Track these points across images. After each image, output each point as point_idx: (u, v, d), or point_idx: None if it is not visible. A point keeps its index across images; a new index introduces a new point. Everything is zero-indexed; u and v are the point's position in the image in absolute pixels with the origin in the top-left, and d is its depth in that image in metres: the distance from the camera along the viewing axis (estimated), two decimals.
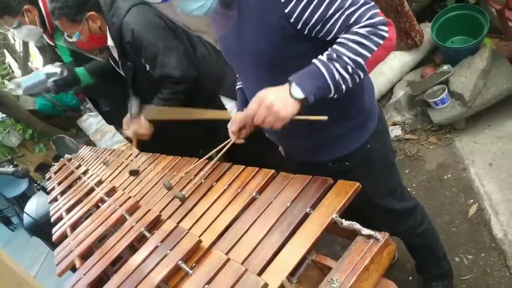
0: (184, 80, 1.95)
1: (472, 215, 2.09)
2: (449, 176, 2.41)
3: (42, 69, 2.36)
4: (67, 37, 1.92)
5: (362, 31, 1.03)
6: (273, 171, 1.32)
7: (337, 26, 1.05)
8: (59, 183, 2.46)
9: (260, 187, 1.28)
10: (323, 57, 1.05)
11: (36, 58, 6.92)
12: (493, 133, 2.45)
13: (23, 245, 4.96)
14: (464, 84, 2.47)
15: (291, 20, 1.06)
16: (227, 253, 1.09)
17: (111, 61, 2.11)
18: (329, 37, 1.08)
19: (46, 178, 2.82)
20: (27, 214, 3.13)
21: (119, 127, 2.88)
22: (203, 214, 1.33)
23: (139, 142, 2.14)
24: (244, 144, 1.50)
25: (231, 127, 1.49)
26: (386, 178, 1.43)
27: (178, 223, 1.35)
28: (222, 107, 2.28)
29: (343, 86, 1.06)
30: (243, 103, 1.47)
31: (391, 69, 3.15)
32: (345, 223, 1.00)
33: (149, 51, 1.91)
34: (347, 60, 1.03)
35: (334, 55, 1.04)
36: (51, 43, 2.33)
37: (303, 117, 1.12)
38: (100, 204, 1.82)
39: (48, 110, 5.35)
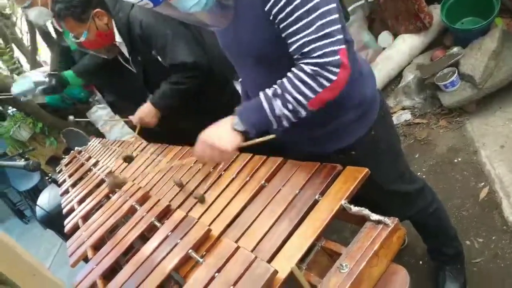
0: (197, 66, 1.92)
1: (483, 198, 2.07)
2: (460, 159, 2.38)
3: (30, 75, 2.37)
4: (73, 38, 1.90)
5: (310, 70, 1.01)
6: (281, 159, 1.31)
7: (293, 46, 1.03)
8: (70, 176, 2.49)
9: (269, 175, 1.28)
10: (269, 92, 1.07)
11: (43, 52, 6.95)
12: (505, 115, 2.41)
13: (37, 238, 5.05)
14: (474, 66, 2.43)
15: (270, 19, 1.05)
16: (236, 241, 1.10)
17: (121, 59, 2.09)
18: (290, 50, 1.06)
19: (57, 171, 2.86)
20: (39, 206, 3.17)
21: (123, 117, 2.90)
22: (212, 203, 1.33)
23: (142, 129, 2.13)
24: None
25: None
26: (393, 163, 1.42)
27: (188, 212, 1.36)
28: (236, 92, 2.27)
29: (284, 122, 1.09)
30: (247, 98, 1.47)
31: (400, 52, 3.11)
32: (354, 209, 1.00)
33: (159, 41, 1.89)
34: (289, 98, 1.04)
35: (279, 91, 1.05)
36: (60, 29, 2.32)
37: (250, 142, 1.16)
38: (110, 195, 1.84)
39: (57, 103, 5.37)
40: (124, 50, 2.03)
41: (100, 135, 5.05)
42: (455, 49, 2.68)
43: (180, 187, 1.50)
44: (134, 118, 2.09)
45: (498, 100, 2.51)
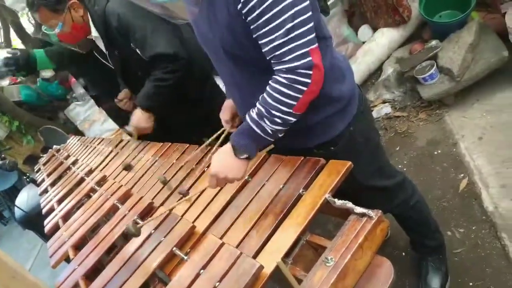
0: (177, 58, 1.87)
1: (463, 189, 2.11)
2: (440, 151, 2.42)
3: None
4: (45, 31, 1.84)
5: (284, 80, 1.02)
6: (264, 153, 1.31)
7: (265, 48, 1.03)
8: (49, 175, 2.44)
9: (252, 170, 1.27)
10: (254, 115, 1.09)
11: (18, 47, 6.76)
12: (482, 107, 2.46)
13: (16, 239, 4.93)
14: (452, 59, 2.46)
15: (243, 18, 1.03)
16: (221, 237, 1.09)
17: (97, 54, 2.04)
18: (262, 51, 1.05)
19: (35, 170, 2.79)
20: (18, 207, 3.10)
21: (110, 115, 2.86)
22: (196, 199, 1.32)
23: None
24: None
25: (224, 116, 1.48)
26: (372, 158, 1.42)
27: (171, 210, 1.34)
28: (216, 87, 2.25)
29: (279, 134, 1.11)
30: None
31: (380, 46, 3.13)
32: (338, 202, 1.00)
33: (138, 33, 1.85)
34: (275, 113, 1.05)
35: (263, 110, 1.07)
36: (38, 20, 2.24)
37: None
38: (91, 193, 1.81)
39: (34, 101, 5.26)
40: (101, 45, 1.98)
41: (79, 132, 4.96)
42: (434, 42, 2.72)
43: (164, 184, 1.47)
44: (129, 128, 2.04)
45: (475, 93, 2.56)
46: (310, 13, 1.00)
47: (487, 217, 1.90)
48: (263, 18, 0.98)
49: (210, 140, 1.53)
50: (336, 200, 1.01)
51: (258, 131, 1.09)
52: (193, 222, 1.21)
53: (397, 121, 2.84)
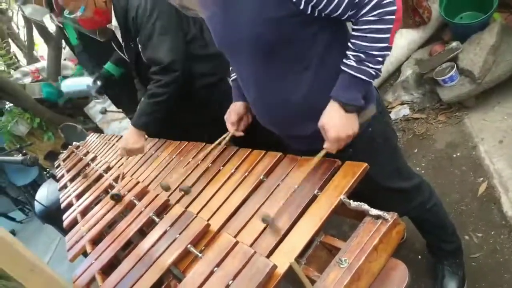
0: (172, 69, 1.80)
1: (482, 193, 2.07)
2: (459, 154, 2.38)
3: (83, 80, 2.40)
4: (67, 15, 1.79)
5: (373, 17, 1.04)
6: (280, 153, 1.31)
7: (343, 4, 1.04)
8: (68, 171, 2.49)
9: (268, 170, 1.28)
10: (352, 62, 1.09)
11: (41, 47, 6.91)
12: (503, 110, 2.41)
13: (35, 233, 5.04)
14: (473, 60, 2.42)
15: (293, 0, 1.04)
16: (235, 236, 1.10)
17: (114, 45, 2.04)
18: (337, 13, 1.07)
19: (55, 166, 2.85)
20: (38, 201, 3.16)
21: (127, 111, 2.90)
22: (211, 198, 1.34)
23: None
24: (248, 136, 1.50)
25: (230, 118, 1.48)
26: (390, 160, 1.41)
27: (187, 207, 1.36)
28: (229, 90, 2.25)
29: (380, 73, 1.12)
30: (240, 94, 1.45)
31: (399, 47, 3.10)
32: (353, 204, 0.99)
33: (146, 30, 1.81)
34: (375, 53, 1.07)
35: (362, 56, 1.08)
36: (59, 24, 2.30)
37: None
38: (109, 190, 1.84)
39: (54, 98, 5.36)
40: (119, 36, 1.95)
41: (98, 130, 5.04)
42: (454, 44, 2.67)
43: (166, 190, 1.47)
44: (120, 152, 1.94)
45: (496, 95, 2.51)
46: None
47: (507, 222, 1.87)
48: None
49: (214, 144, 1.54)
50: (351, 201, 1.00)
51: (363, 77, 1.10)
52: (207, 220, 1.22)
53: (416, 123, 2.80)
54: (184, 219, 1.27)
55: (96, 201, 1.84)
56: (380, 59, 1.08)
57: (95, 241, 1.51)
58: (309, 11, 1.07)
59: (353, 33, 1.09)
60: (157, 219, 1.36)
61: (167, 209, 1.42)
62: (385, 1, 1.03)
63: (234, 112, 1.48)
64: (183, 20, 1.91)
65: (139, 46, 1.87)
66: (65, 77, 5.24)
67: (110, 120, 4.88)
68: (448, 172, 2.32)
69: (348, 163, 1.10)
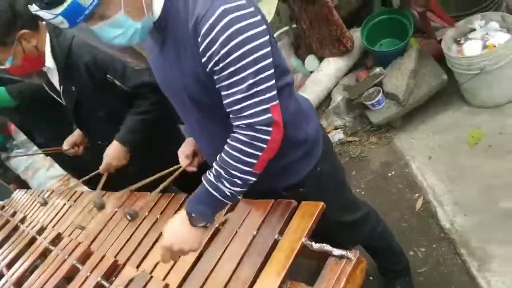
0: (158, 89, 1.78)
1: (419, 208, 2.18)
2: (393, 173, 2.51)
3: None
4: None
5: (243, 137, 1.00)
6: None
7: (225, 101, 1.02)
8: None
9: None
10: (211, 177, 1.04)
11: None
12: (428, 128, 2.59)
13: None
14: (396, 85, 2.60)
15: (207, 70, 1.01)
16: None
17: (46, 87, 1.88)
18: (223, 103, 1.04)
19: None
20: None
21: (57, 160, 2.69)
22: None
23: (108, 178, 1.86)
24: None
25: (184, 151, 1.44)
26: (339, 196, 1.44)
27: (138, 267, 1.28)
28: (182, 137, 2.17)
29: (238, 196, 1.07)
30: None
31: (327, 75, 3.24)
32: (316, 245, 0.99)
33: (118, 64, 1.73)
34: (234, 173, 1.02)
35: (222, 172, 1.02)
36: None
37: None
38: (46, 254, 1.68)
39: None
40: (53, 78, 1.81)
41: (22, 182, 4.65)
42: (377, 70, 2.85)
43: (133, 218, 1.38)
44: (102, 168, 1.84)
45: (420, 115, 2.70)
46: (272, 70, 1.00)
47: (445, 235, 1.98)
48: (227, 71, 0.96)
49: (163, 172, 1.47)
50: (313, 243, 1.00)
51: (216, 194, 1.03)
52: (163, 280, 1.15)
53: (350, 146, 2.92)
54: (138, 280, 1.19)
55: (31, 268, 1.67)
56: (238, 181, 1.02)
57: None
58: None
59: (225, 146, 1.05)
60: (107, 285, 1.26)
61: (116, 270, 1.32)
62: (260, 127, 1.00)
63: (189, 146, 1.43)
64: None
65: (115, 80, 1.76)
66: None
67: (37, 168, 4.54)
68: (385, 191, 2.42)
69: (304, 204, 1.10)
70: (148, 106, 1.80)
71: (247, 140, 0.99)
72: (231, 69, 0.96)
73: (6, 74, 1.78)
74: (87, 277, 1.33)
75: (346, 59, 3.20)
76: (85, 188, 2.43)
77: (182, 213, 1.06)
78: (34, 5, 0.94)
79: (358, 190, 2.56)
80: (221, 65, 0.96)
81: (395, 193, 2.39)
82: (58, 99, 1.90)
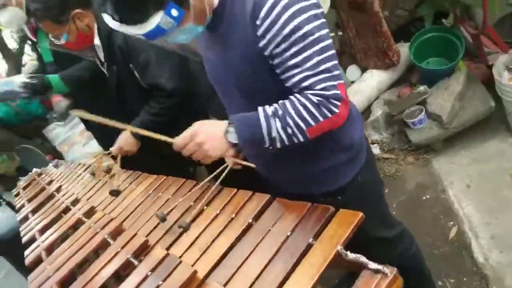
0: (175, 94, 1.86)
1: (452, 237, 2.12)
2: (428, 196, 2.45)
3: (16, 79, 2.22)
4: (53, 39, 1.79)
5: (314, 99, 1.02)
6: (268, 196, 1.28)
7: (292, 81, 1.04)
8: (29, 200, 2.32)
9: (256, 213, 1.23)
10: (269, 110, 1.05)
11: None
12: (469, 154, 2.52)
13: None
14: (441, 106, 2.54)
15: (265, 54, 1.04)
16: (225, 285, 1.04)
17: (97, 60, 2.00)
18: (286, 85, 1.06)
19: (14, 194, 2.66)
20: None
21: (98, 138, 2.79)
22: (195, 240, 1.27)
23: (122, 159, 1.99)
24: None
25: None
26: (376, 209, 1.42)
27: (168, 249, 1.29)
28: None
29: (278, 144, 1.07)
30: None
31: (369, 87, 3.20)
32: (351, 255, 0.97)
33: (142, 56, 1.82)
34: (290, 122, 1.03)
35: (280, 112, 1.04)
36: (33, 39, 2.19)
37: (241, 162, 1.22)
38: (78, 225, 1.72)
39: (11, 119, 5.09)
40: (101, 54, 1.95)
41: (57, 154, 4.80)
42: (422, 88, 2.79)
43: (163, 221, 1.41)
44: (113, 149, 1.99)
45: (462, 140, 2.62)
46: (334, 51, 1.02)
47: (478, 269, 1.91)
48: (290, 51, 0.99)
49: (211, 176, 1.49)
50: (348, 252, 0.98)
51: (264, 127, 1.04)
52: (192, 265, 1.15)
53: (385, 163, 2.87)
54: (167, 263, 1.19)
55: (63, 237, 1.71)
56: (289, 130, 1.04)
57: (64, 283, 1.39)
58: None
59: (291, 95, 1.06)
60: (135, 262, 1.28)
61: (146, 250, 1.34)
62: (331, 99, 1.01)
63: None
64: None
65: (135, 72, 1.86)
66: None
67: (73, 142, 4.68)
68: (418, 214, 2.37)
69: (343, 211, 1.09)
70: (159, 110, 1.90)
71: (317, 103, 1.01)
72: (295, 48, 0.98)
73: (61, 48, 1.88)
74: (117, 253, 1.35)
75: (390, 73, 3.15)
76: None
77: (222, 122, 1.08)
78: (115, 20, 0.99)
79: (390, 210, 2.50)
80: (283, 46, 0.99)
81: (428, 218, 2.32)
82: (104, 70, 1.99)
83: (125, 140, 1.95)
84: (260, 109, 1.06)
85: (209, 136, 1.07)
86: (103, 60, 1.96)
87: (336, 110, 1.02)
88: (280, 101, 1.06)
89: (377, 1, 2.81)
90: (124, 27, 1.00)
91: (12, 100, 2.28)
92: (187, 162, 1.90)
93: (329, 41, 1.02)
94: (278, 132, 1.04)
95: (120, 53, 1.84)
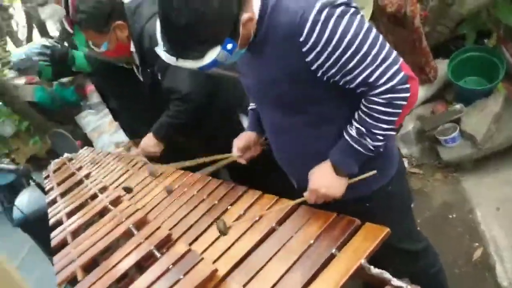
0: (189, 99, 1.89)
1: (476, 258, 2.06)
2: (454, 215, 2.39)
3: (38, 41, 2.27)
4: (93, 46, 1.86)
5: (383, 99, 1.05)
6: (293, 202, 1.28)
7: (356, 81, 1.06)
8: (59, 184, 2.39)
9: (280, 219, 1.24)
10: (353, 132, 1.11)
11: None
12: (501, 177, 2.44)
13: (3, 236, 4.80)
14: (477, 126, 2.47)
15: (312, 68, 1.07)
16: (244, 286, 1.05)
17: (134, 67, 2.06)
18: (348, 86, 1.09)
19: (44, 177, 2.74)
20: (17, 208, 3.04)
21: (124, 129, 2.85)
22: (217, 238, 1.28)
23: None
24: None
25: (238, 143, 1.49)
26: (404, 220, 1.41)
27: (190, 244, 1.31)
28: (239, 125, 2.23)
29: (380, 149, 1.15)
30: (255, 125, 1.49)
31: None
32: (374, 270, 0.96)
33: (161, 60, 1.84)
34: (377, 132, 1.09)
35: (363, 130, 1.10)
36: (71, 31, 2.25)
37: (356, 179, 1.22)
38: (104, 212, 1.76)
39: (47, 103, 5.26)
40: (136, 59, 2.02)
41: (87, 140, 4.93)
42: (458, 106, 2.73)
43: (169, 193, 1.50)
44: (137, 151, 2.09)
45: (495, 162, 2.55)
46: (381, 37, 1.04)
47: None
48: (344, 58, 1.02)
49: (215, 157, 1.58)
50: (371, 267, 0.97)
51: (360, 148, 1.11)
52: (213, 263, 1.17)
53: (413, 178, 2.82)
54: (188, 259, 1.21)
55: (89, 222, 1.76)
56: (381, 137, 1.11)
57: (86, 268, 1.43)
58: (325, 79, 1.09)
59: (361, 106, 1.11)
60: (158, 254, 1.30)
61: (169, 244, 1.36)
62: (399, 87, 1.04)
63: (244, 139, 1.48)
64: None
65: (158, 74, 1.91)
66: (61, 84, 5.16)
67: (102, 131, 4.79)
68: (443, 232, 2.31)
69: (368, 225, 1.08)
70: (175, 112, 1.95)
71: (386, 102, 1.05)
72: (349, 52, 1.01)
73: (99, 56, 1.94)
74: (140, 243, 1.38)
75: (425, 89, 3.08)
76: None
77: (328, 163, 1.18)
78: (170, 55, 1.05)
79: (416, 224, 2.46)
80: (336, 54, 1.01)
81: (453, 237, 2.27)
82: (138, 75, 2.04)
83: (147, 141, 2.03)
84: (346, 136, 1.13)
85: (327, 184, 1.18)
86: (138, 64, 2.02)
87: (407, 94, 1.05)
88: (356, 117, 1.11)
89: (418, 16, 2.75)
90: (181, 62, 1.05)
91: (32, 70, 2.31)
92: (195, 151, 1.93)
93: (374, 31, 1.04)
94: (373, 144, 1.11)
95: (148, 56, 1.89)
